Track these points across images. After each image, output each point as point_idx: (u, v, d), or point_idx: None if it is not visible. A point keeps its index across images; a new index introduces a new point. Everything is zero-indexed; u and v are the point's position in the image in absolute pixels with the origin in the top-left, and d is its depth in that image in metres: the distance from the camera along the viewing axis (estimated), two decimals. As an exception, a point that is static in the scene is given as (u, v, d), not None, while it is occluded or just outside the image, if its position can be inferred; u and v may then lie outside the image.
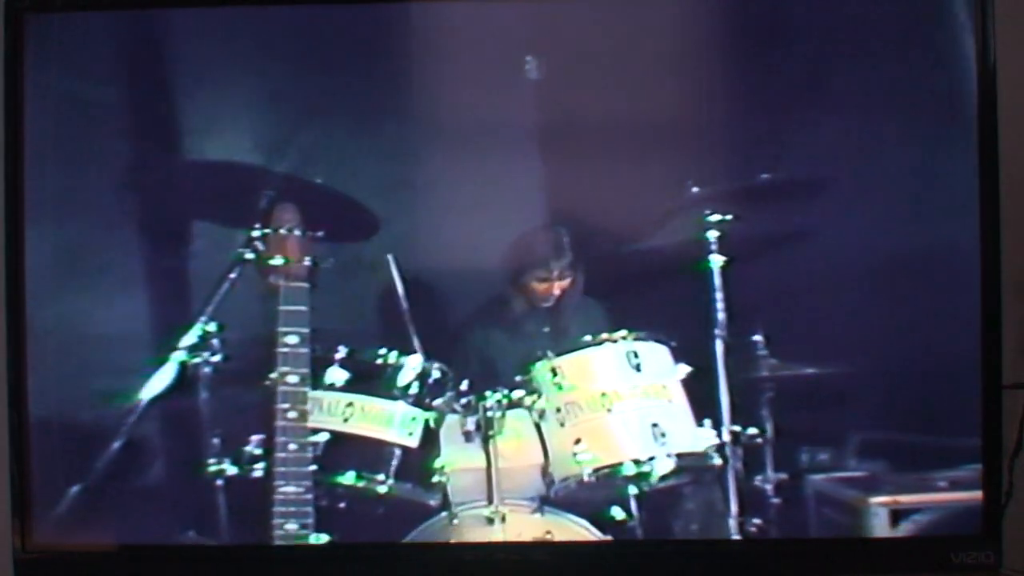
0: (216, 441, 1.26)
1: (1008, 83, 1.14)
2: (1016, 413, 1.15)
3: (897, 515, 1.31)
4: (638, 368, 1.38)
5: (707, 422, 1.35)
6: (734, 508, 1.35)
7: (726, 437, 1.35)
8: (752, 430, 1.35)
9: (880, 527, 1.31)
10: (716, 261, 1.37)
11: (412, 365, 1.32)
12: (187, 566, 1.21)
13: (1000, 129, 1.13)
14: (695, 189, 1.36)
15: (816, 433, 1.36)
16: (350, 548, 1.23)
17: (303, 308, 1.25)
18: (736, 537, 1.31)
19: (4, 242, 1.22)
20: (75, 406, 1.25)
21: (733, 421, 1.36)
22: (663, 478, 1.34)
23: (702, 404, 1.37)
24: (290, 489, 1.23)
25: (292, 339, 1.25)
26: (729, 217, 1.36)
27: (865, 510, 1.32)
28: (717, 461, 1.35)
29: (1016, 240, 1.13)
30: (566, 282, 1.39)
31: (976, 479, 1.24)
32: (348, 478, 1.29)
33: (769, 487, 1.36)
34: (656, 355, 1.39)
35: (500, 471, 1.32)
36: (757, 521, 1.34)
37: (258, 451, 1.26)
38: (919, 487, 1.30)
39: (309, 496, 1.24)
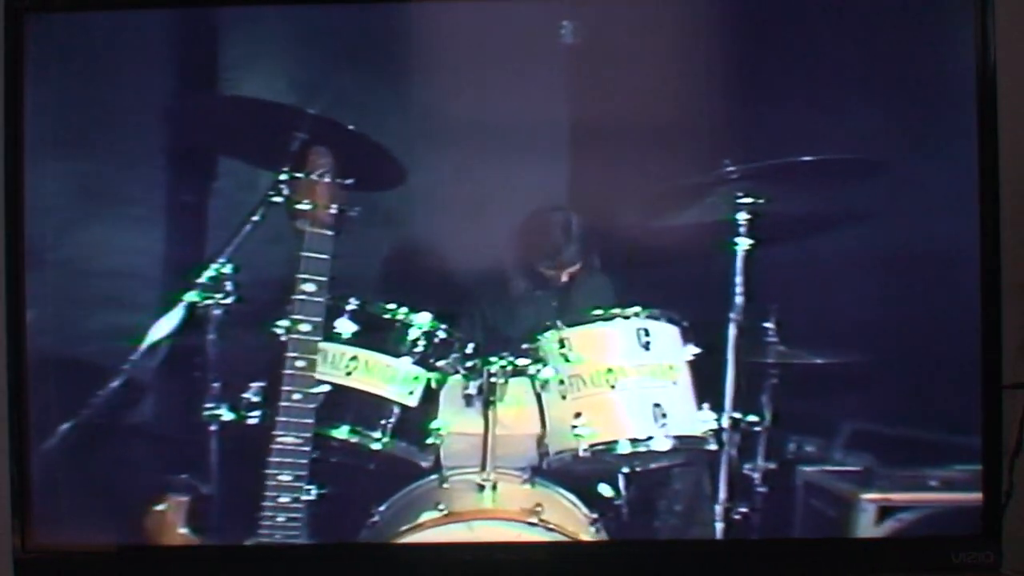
0: (216, 386, 1.16)
1: (1008, 83, 1.08)
2: (1016, 413, 1.10)
3: (884, 512, 1.26)
4: (647, 347, 1.28)
5: (706, 406, 1.28)
6: (722, 494, 1.29)
7: (725, 423, 1.29)
8: (752, 417, 1.28)
9: (866, 523, 1.24)
10: (742, 243, 1.27)
11: (420, 323, 1.23)
12: (187, 566, 1.14)
13: (1000, 129, 1.07)
14: (729, 168, 1.25)
15: (814, 424, 1.29)
16: (348, 548, 1.16)
17: (325, 256, 1.13)
18: (720, 527, 1.24)
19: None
20: (79, 340, 1.15)
21: (735, 407, 1.29)
22: (657, 459, 1.28)
23: (706, 387, 1.28)
24: (289, 439, 1.12)
25: (310, 287, 1.12)
26: (761, 200, 1.26)
27: (854, 504, 1.25)
28: (713, 446, 1.29)
29: (1016, 240, 1.08)
30: (575, 268, 1.29)
31: (969, 480, 1.18)
32: (342, 432, 1.18)
33: (758, 475, 1.30)
34: (666, 335, 1.28)
35: (496, 438, 1.22)
36: (743, 509, 1.28)
37: (256, 398, 1.16)
38: (910, 485, 1.24)
39: (307, 448, 1.13)
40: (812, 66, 1.22)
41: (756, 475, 1.29)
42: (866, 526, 1.25)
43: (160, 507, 1.14)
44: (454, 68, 1.21)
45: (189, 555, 1.14)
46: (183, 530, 1.14)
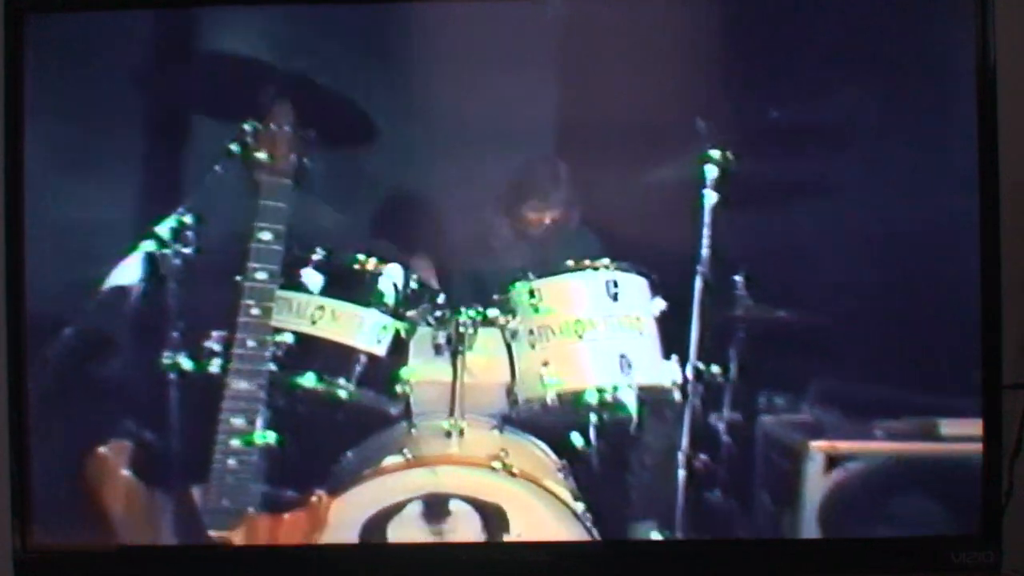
0: (175, 335, 1.10)
1: (1008, 83, 1.05)
2: (1016, 413, 1.08)
3: (833, 461, 1.28)
4: (615, 298, 1.25)
5: (674, 357, 1.26)
6: (685, 443, 1.29)
7: (689, 374, 1.27)
8: (715, 368, 1.27)
9: (815, 472, 1.24)
10: (709, 197, 1.23)
11: (390, 274, 1.17)
12: (187, 566, 1.10)
13: (1000, 129, 1.05)
14: (700, 123, 1.21)
15: (775, 377, 1.29)
16: (347, 548, 1.12)
17: (282, 205, 1.07)
18: (682, 475, 1.25)
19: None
20: (41, 292, 1.08)
21: (699, 358, 1.27)
22: (623, 408, 1.26)
23: (672, 339, 1.25)
24: (242, 386, 1.07)
25: (266, 235, 1.07)
26: (730, 155, 1.22)
27: (804, 455, 1.25)
28: (677, 397, 1.27)
29: (1016, 240, 1.06)
30: (558, 212, 1.24)
31: (915, 432, 1.20)
32: (308, 380, 1.13)
33: (722, 426, 1.30)
34: (635, 286, 1.24)
35: (465, 386, 1.18)
36: (704, 457, 1.28)
37: (217, 347, 1.09)
38: (856, 435, 1.24)
39: (261, 395, 1.09)
40: (805, 45, 1.17)
41: (720, 425, 1.29)
42: (815, 476, 1.26)
43: (102, 449, 1.09)
44: (430, 16, 1.13)
45: (190, 555, 1.10)
46: (125, 472, 1.09)
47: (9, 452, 1.05)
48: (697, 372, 1.26)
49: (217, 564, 1.11)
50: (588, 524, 1.22)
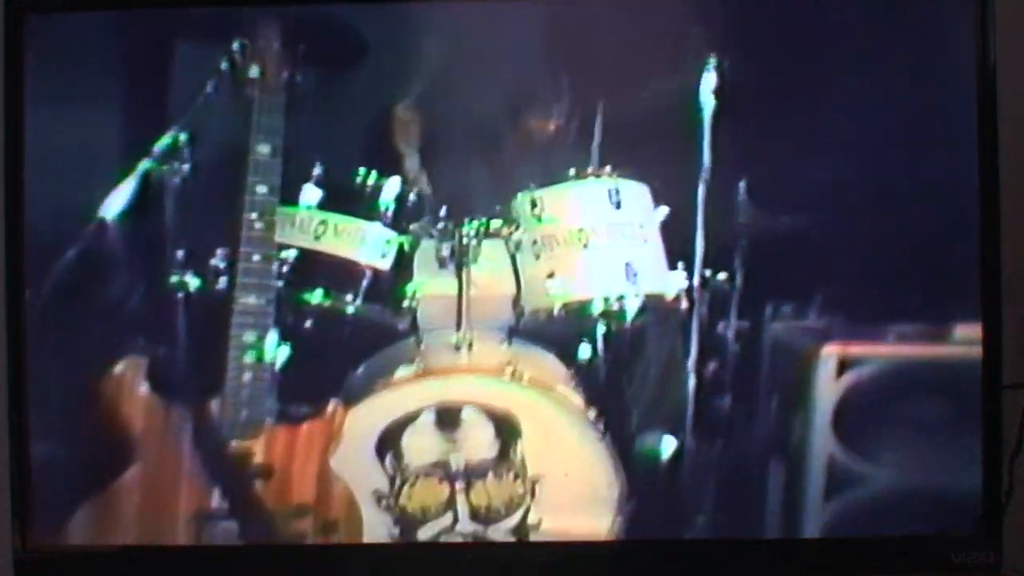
0: (180, 255, 1.11)
1: (1008, 83, 1.03)
2: (1016, 413, 1.07)
3: (844, 365, 1.25)
4: (618, 206, 1.24)
5: (680, 265, 1.25)
6: (693, 351, 1.29)
7: (696, 281, 1.27)
8: (722, 275, 1.26)
9: (827, 377, 1.24)
10: (709, 104, 1.21)
11: (390, 187, 1.17)
12: (187, 566, 1.12)
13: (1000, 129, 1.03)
14: (699, 29, 1.19)
15: (782, 283, 1.27)
16: (350, 548, 1.14)
17: (277, 120, 1.08)
18: (692, 383, 1.25)
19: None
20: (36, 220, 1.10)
21: (705, 266, 1.27)
22: (631, 317, 1.26)
23: (677, 247, 1.24)
24: (251, 300, 1.09)
25: (264, 148, 1.07)
26: (728, 61, 1.19)
27: (815, 359, 1.24)
28: (684, 305, 1.27)
29: (1016, 239, 1.04)
30: (559, 122, 1.21)
31: (924, 334, 1.20)
32: (316, 296, 1.14)
33: (730, 334, 1.29)
34: (637, 194, 1.23)
35: (471, 299, 1.18)
36: (713, 366, 1.27)
37: (222, 264, 1.10)
38: (868, 338, 1.23)
39: (270, 309, 1.11)
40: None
41: (728, 333, 1.28)
42: (826, 380, 1.25)
43: (119, 368, 1.11)
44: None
45: (190, 556, 1.11)
46: (143, 387, 1.11)
47: (9, 452, 1.06)
48: (703, 280, 1.25)
49: (217, 564, 1.13)
50: (600, 430, 1.23)
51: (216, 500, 1.15)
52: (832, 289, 1.26)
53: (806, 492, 1.24)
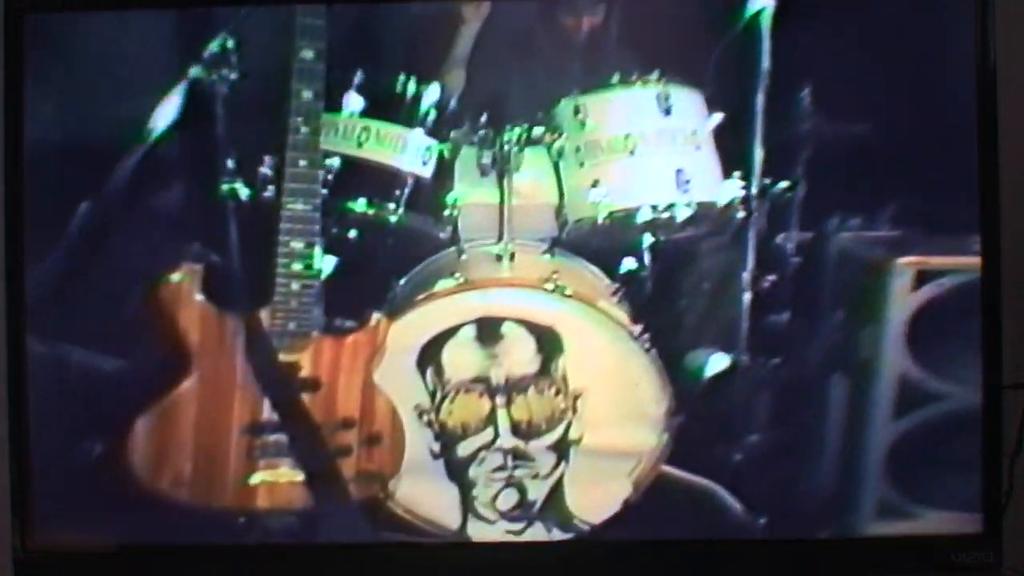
0: (229, 163, 1.12)
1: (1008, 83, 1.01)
2: (1016, 413, 1.04)
3: (922, 277, 1.16)
4: (667, 112, 1.18)
5: (736, 174, 1.17)
6: (750, 263, 1.21)
7: (754, 190, 1.19)
8: (783, 184, 1.17)
9: (901, 289, 1.16)
10: (769, 5, 1.14)
11: (430, 94, 1.16)
12: (188, 566, 1.12)
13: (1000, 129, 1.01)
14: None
15: (849, 194, 1.18)
16: (354, 548, 1.14)
17: (320, 22, 1.08)
18: (747, 297, 1.17)
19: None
20: (83, 129, 1.13)
21: (764, 175, 1.18)
22: (681, 227, 1.20)
23: (732, 156, 1.17)
24: (298, 207, 1.10)
25: (308, 53, 1.07)
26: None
27: (889, 270, 1.16)
28: (740, 214, 1.19)
29: (1017, 240, 1.01)
30: (597, 19, 1.18)
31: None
32: (359, 205, 1.14)
33: (791, 246, 1.21)
34: (688, 100, 1.17)
35: (513, 208, 1.16)
36: (771, 277, 1.19)
37: (270, 172, 1.11)
38: (948, 250, 1.14)
39: (317, 215, 1.11)
40: None
41: (789, 245, 1.20)
42: (901, 293, 1.16)
43: (175, 276, 1.14)
44: None
45: (191, 555, 1.11)
46: (199, 296, 1.14)
47: (9, 452, 1.07)
48: (762, 189, 1.18)
49: (218, 564, 1.13)
50: (646, 345, 1.18)
51: (267, 412, 1.17)
52: (907, 199, 1.17)
53: (873, 409, 1.16)
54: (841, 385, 1.17)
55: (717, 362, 1.18)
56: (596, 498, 1.18)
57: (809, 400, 1.18)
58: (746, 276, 1.19)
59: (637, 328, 1.18)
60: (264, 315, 1.14)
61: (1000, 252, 0.99)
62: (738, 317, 1.19)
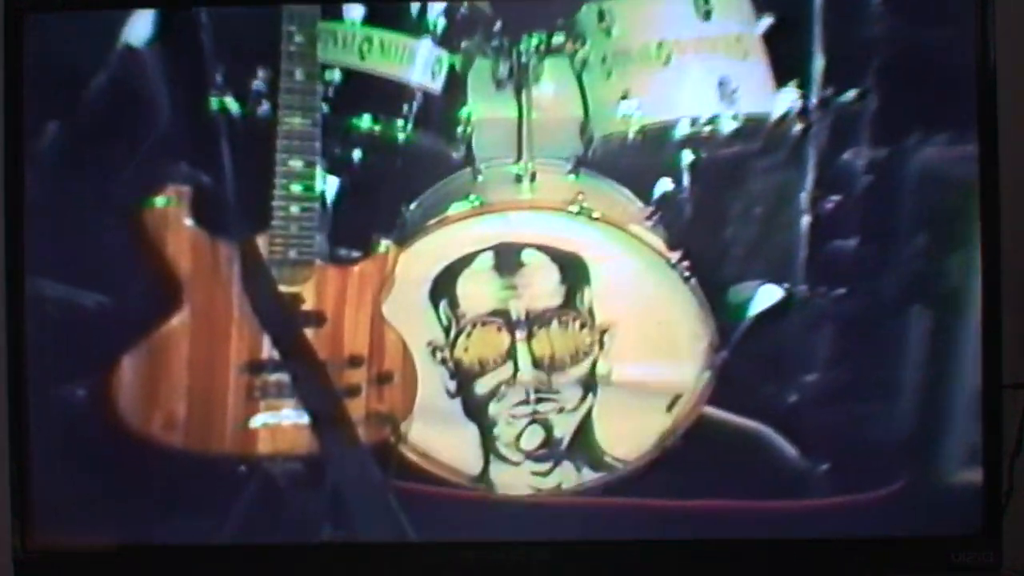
0: (218, 77, 1.04)
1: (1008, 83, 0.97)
2: (1016, 413, 1.03)
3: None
4: (707, 16, 1.05)
5: (791, 84, 1.02)
6: (810, 182, 1.05)
7: (813, 101, 1.03)
8: (850, 94, 1.02)
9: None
10: None
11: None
12: (188, 566, 1.06)
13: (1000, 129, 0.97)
14: None
15: (934, 106, 1.02)
16: (360, 547, 1.06)
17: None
18: (806, 221, 1.01)
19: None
20: (65, 45, 1.06)
21: (825, 84, 1.03)
22: (726, 143, 1.05)
23: (786, 64, 1.02)
24: (296, 121, 1.01)
25: (301, -45, 1.01)
26: None
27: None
28: (798, 127, 1.04)
29: (1016, 240, 0.99)
30: None
31: None
32: (364, 121, 1.04)
33: (861, 163, 1.04)
34: (732, 2, 1.03)
35: (532, 124, 1.04)
36: (836, 198, 1.03)
37: (263, 87, 1.03)
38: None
39: (317, 131, 1.02)
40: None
41: (859, 162, 1.03)
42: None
43: (160, 200, 1.06)
44: None
45: (191, 555, 1.06)
46: (188, 222, 1.06)
47: (9, 452, 1.04)
48: (823, 100, 1.02)
49: (218, 564, 1.07)
50: (685, 274, 1.03)
51: (266, 349, 1.08)
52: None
53: (963, 342, 0.97)
54: (923, 318, 1.00)
55: (768, 294, 1.02)
56: (630, 433, 1.05)
57: (882, 335, 1.02)
58: (805, 197, 1.03)
59: (675, 255, 1.03)
60: (261, 242, 1.06)
61: (1000, 252, 0.95)
62: (794, 243, 1.03)
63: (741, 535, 1.01)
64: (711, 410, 1.03)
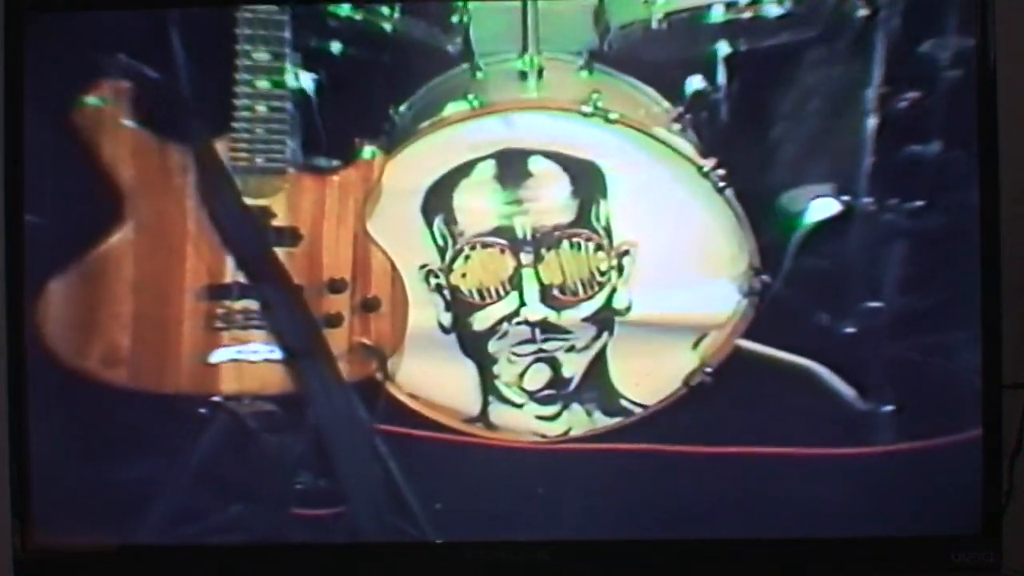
0: None
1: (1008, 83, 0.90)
2: (1016, 413, 1.01)
3: None
4: None
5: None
6: (877, 77, 0.88)
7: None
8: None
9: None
10: None
11: None
12: (189, 566, 0.99)
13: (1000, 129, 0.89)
14: None
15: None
16: (360, 547, 0.97)
17: None
18: (873, 122, 0.86)
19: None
20: None
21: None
22: (773, 31, 0.88)
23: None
24: (259, 4, 0.87)
25: None
26: None
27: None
28: (863, 12, 0.86)
29: (1016, 240, 0.94)
30: None
31: None
32: (343, 8, 0.89)
33: (946, 55, 0.86)
34: None
35: (539, 11, 0.89)
36: (912, 94, 0.86)
37: None
38: None
39: (285, 17, 0.87)
40: None
41: (942, 54, 0.86)
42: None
43: (92, 99, 0.92)
44: None
45: (192, 555, 0.98)
46: (127, 122, 0.91)
47: (9, 452, 0.99)
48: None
49: (218, 564, 1.00)
50: (720, 184, 0.87)
51: (230, 272, 0.94)
52: None
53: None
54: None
55: (823, 207, 0.86)
56: (649, 373, 0.91)
57: (967, 257, 0.87)
58: (871, 94, 0.87)
59: (708, 163, 0.87)
60: (221, 146, 0.91)
61: (1000, 252, 0.90)
62: (858, 148, 0.88)
63: (775, 487, 0.92)
64: (749, 344, 0.88)
